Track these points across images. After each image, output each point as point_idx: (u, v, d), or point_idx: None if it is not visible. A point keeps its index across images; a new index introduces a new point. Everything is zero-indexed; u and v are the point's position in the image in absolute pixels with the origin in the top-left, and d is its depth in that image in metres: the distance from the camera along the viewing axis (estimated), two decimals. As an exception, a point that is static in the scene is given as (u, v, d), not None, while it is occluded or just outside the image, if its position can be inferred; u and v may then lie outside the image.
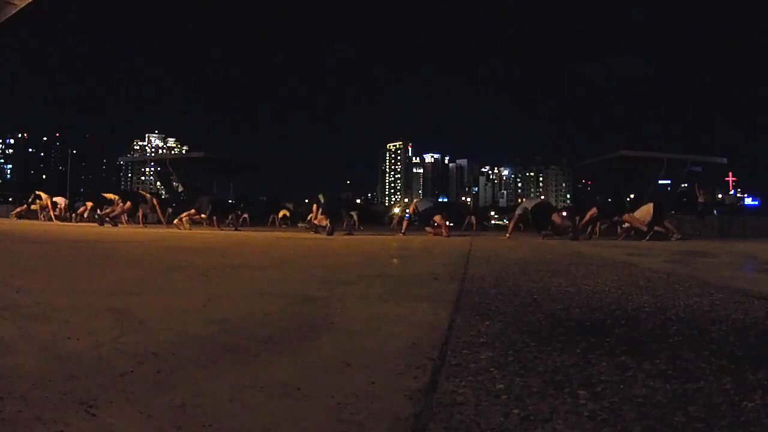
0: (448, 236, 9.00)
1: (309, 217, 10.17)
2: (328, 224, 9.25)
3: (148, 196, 12.10)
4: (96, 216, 10.72)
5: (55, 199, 13.35)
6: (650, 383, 0.95)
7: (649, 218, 8.86)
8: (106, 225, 10.14)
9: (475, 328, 1.41)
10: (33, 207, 13.16)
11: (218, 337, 1.29)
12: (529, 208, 9.55)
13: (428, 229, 9.97)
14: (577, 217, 9.64)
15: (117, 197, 11.37)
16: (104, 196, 11.41)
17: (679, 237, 8.75)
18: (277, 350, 1.17)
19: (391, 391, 0.90)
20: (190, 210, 10.79)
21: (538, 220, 9.40)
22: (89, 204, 12.49)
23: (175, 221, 10.39)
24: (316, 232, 9.66)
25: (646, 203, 9.86)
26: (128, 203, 11.13)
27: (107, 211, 10.81)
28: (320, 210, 9.70)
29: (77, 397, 0.84)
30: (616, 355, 1.14)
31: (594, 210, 9.76)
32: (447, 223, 10.24)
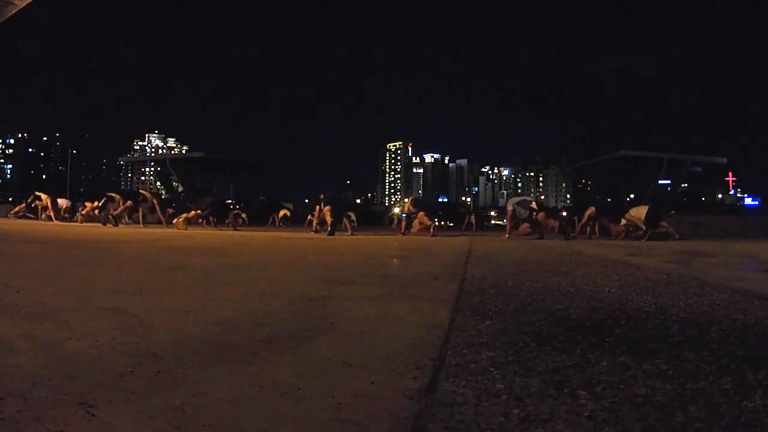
0: (434, 236, 8.75)
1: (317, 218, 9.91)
2: (329, 225, 9.15)
3: (148, 195, 12.07)
4: (104, 214, 10.71)
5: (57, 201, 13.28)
6: (650, 383, 0.95)
7: (643, 218, 8.87)
8: (108, 225, 10.13)
9: (475, 328, 1.41)
10: (35, 206, 13.00)
11: (218, 337, 1.29)
12: (516, 202, 9.46)
13: (413, 224, 9.84)
14: (575, 218, 9.59)
15: (119, 197, 11.36)
16: (111, 195, 11.39)
17: (677, 237, 8.80)
18: (277, 350, 1.17)
19: (391, 391, 0.90)
20: (190, 210, 10.78)
21: (521, 215, 9.24)
22: (89, 204, 12.46)
23: (175, 221, 10.38)
24: (318, 232, 9.55)
25: (643, 204, 9.89)
26: (129, 202, 11.12)
27: (111, 210, 10.81)
28: (330, 210, 9.43)
29: (77, 397, 0.84)
30: (616, 355, 1.14)
31: (592, 209, 9.75)
32: (434, 222, 10.01)
